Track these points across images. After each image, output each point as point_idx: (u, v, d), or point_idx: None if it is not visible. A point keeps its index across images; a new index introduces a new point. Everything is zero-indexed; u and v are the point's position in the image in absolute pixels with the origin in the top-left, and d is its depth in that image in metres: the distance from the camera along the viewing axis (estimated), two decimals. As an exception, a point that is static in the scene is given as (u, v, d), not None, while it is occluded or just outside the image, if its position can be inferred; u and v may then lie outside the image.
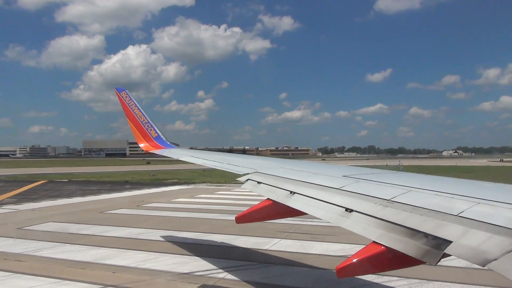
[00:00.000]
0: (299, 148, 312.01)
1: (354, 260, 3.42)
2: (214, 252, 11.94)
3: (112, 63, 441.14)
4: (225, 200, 24.50)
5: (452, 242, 2.85)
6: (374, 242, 3.39)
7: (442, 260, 2.89)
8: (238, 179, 6.81)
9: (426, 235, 3.07)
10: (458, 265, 8.51)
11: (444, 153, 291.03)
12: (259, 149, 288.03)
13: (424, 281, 8.71)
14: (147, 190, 31.25)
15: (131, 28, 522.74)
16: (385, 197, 3.94)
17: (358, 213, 3.87)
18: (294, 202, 4.90)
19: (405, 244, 3.15)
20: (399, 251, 3.14)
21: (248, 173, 6.77)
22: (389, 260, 3.31)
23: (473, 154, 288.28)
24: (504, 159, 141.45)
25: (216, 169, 8.81)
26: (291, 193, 5.13)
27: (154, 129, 12.10)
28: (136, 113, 11.96)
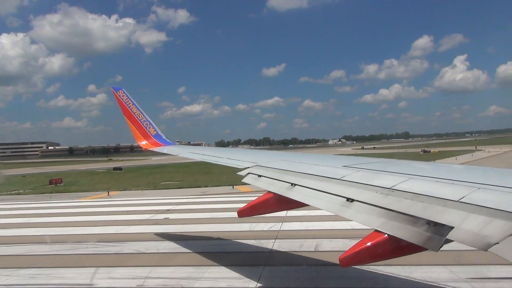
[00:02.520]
0: (191, 142, 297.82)
1: (357, 250, 3.43)
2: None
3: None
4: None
5: (453, 227, 2.86)
6: (376, 230, 3.40)
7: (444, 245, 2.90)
8: (239, 173, 6.81)
9: (427, 221, 3.08)
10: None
11: (330, 142, 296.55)
12: None
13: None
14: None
15: (3, 13, 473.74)
16: (386, 186, 3.94)
17: (360, 203, 3.88)
18: (295, 194, 4.90)
19: (407, 232, 3.16)
20: (401, 239, 3.15)
21: (248, 167, 6.77)
22: (391, 248, 3.32)
23: (354, 142, 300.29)
24: (365, 147, 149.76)
25: (218, 164, 8.82)
26: (292, 185, 5.13)
27: (153, 127, 12.07)
28: (134, 111, 11.91)
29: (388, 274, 8.53)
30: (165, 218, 17.89)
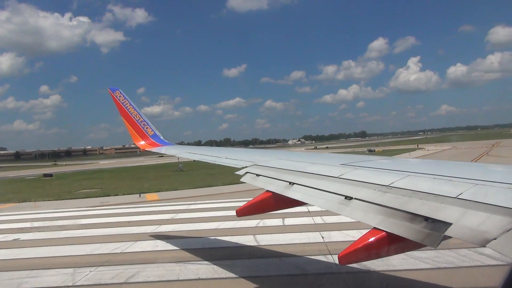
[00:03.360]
0: None
1: (356, 247, 3.44)
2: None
3: None
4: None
5: (452, 224, 2.87)
6: (374, 228, 3.41)
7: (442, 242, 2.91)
8: (237, 172, 6.81)
9: (426, 218, 3.09)
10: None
11: (290, 142, 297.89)
12: (104, 148, 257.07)
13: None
14: None
15: None
16: (384, 183, 3.95)
17: (358, 200, 3.89)
18: (293, 193, 4.91)
19: (405, 229, 3.17)
20: (399, 236, 3.16)
21: (246, 166, 6.77)
22: (390, 245, 3.33)
23: (313, 141, 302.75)
24: (318, 147, 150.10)
25: (216, 164, 8.80)
26: (290, 183, 5.14)
27: (150, 127, 12.05)
28: (131, 112, 11.88)
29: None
30: (14, 240, 14.59)
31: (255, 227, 14.02)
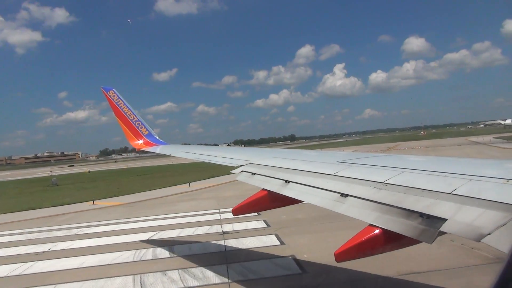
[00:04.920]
0: (65, 153, 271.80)
1: (352, 244, 3.44)
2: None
3: None
4: None
5: (447, 219, 2.88)
6: (370, 225, 3.42)
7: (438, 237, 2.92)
8: (233, 171, 6.80)
9: (421, 214, 3.09)
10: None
11: (219, 146, 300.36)
12: (12, 157, 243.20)
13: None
14: None
15: None
16: (379, 180, 3.96)
17: (353, 198, 3.89)
18: (289, 191, 4.91)
19: (401, 225, 3.17)
20: (395, 232, 3.17)
21: (242, 165, 6.76)
22: (386, 241, 3.34)
23: (243, 146, 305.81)
24: None
25: (211, 163, 8.79)
26: (285, 182, 5.13)
27: (145, 127, 12.00)
28: (125, 111, 11.82)
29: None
30: None
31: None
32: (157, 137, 12.10)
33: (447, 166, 4.30)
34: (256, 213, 16.16)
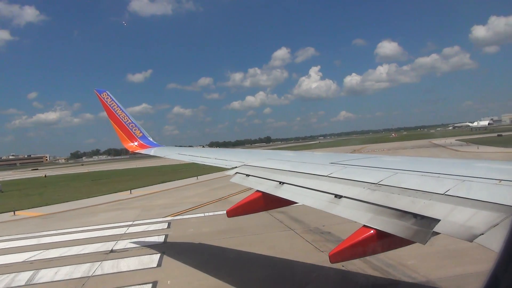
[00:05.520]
0: (32, 155, 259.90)
1: (346, 245, 3.44)
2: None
3: None
4: None
5: (440, 220, 2.89)
6: (364, 226, 3.42)
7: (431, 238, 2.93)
8: (227, 172, 6.79)
9: (414, 215, 3.10)
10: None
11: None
12: None
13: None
14: None
15: None
16: (373, 181, 3.97)
17: (347, 199, 3.90)
18: (283, 192, 4.90)
19: (394, 226, 3.18)
20: (389, 233, 3.18)
21: (236, 167, 6.75)
22: (380, 242, 3.34)
23: (218, 147, 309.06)
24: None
25: (205, 164, 8.77)
26: (280, 183, 5.13)
27: (139, 129, 11.94)
28: (119, 113, 11.76)
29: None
30: None
31: None
32: (151, 139, 12.04)
33: (439, 167, 4.33)
34: (166, 225, 15.88)
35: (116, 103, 11.80)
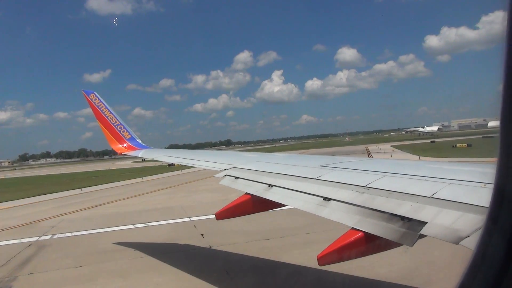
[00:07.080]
0: None
1: (334, 248, 3.44)
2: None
3: None
4: None
5: (427, 223, 2.91)
6: (352, 228, 3.43)
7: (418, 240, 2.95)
8: (216, 175, 6.74)
9: (402, 218, 3.12)
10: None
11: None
12: None
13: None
14: None
15: None
16: (361, 184, 3.98)
17: (336, 201, 3.90)
18: (272, 195, 4.89)
19: (382, 228, 3.20)
20: (377, 236, 3.19)
21: (225, 169, 6.71)
22: (368, 245, 3.35)
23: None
24: None
25: (194, 167, 8.71)
26: (269, 186, 5.12)
27: (127, 131, 11.80)
28: (107, 115, 11.61)
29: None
30: None
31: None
32: (140, 141, 11.91)
33: (427, 170, 4.38)
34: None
35: (104, 104, 11.65)
